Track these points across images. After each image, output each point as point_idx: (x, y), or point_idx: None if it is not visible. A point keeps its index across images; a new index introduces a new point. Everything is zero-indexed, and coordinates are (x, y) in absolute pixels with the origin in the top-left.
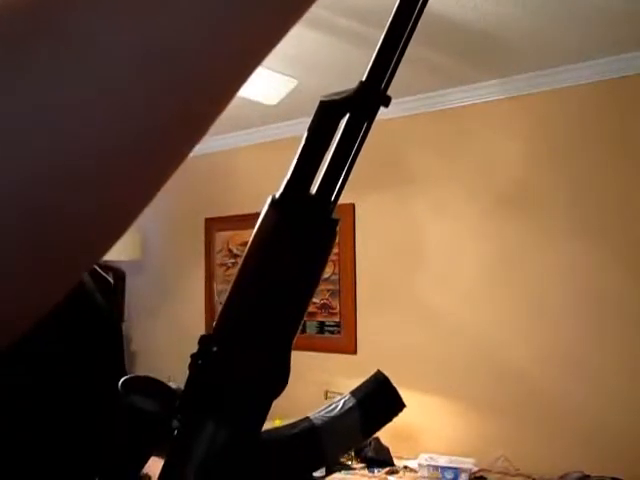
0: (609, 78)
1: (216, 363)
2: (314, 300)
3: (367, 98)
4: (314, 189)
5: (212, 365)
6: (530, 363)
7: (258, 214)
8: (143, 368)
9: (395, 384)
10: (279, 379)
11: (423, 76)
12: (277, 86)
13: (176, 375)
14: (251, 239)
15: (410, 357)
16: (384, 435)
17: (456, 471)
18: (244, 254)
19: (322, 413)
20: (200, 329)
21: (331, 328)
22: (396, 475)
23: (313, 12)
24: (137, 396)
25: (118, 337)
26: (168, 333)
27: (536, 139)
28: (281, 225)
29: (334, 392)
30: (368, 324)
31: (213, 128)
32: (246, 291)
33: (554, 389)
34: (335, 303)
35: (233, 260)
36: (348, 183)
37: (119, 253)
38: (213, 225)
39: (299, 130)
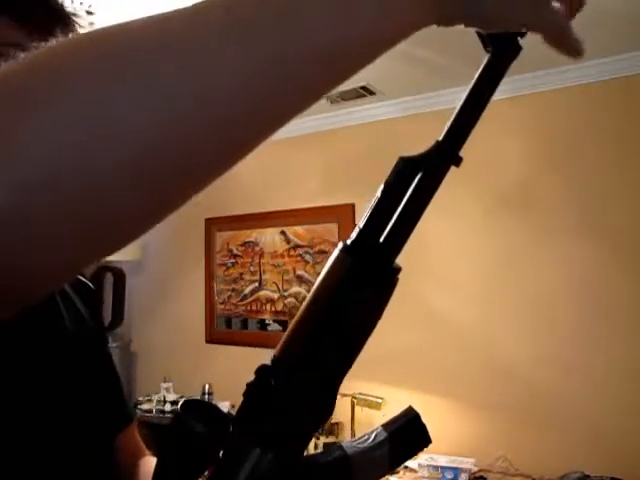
0: (614, 77)
1: (271, 396)
2: None
3: (441, 158)
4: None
5: (267, 397)
6: (531, 363)
7: (258, 214)
8: (143, 368)
9: (395, 384)
10: (326, 414)
11: (423, 76)
12: None
13: (174, 375)
14: (319, 281)
15: (410, 357)
16: None
17: (456, 471)
18: (311, 294)
19: (355, 443)
20: (200, 329)
21: None
22: (396, 475)
23: None
24: (193, 419)
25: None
26: (168, 333)
27: (539, 138)
28: (351, 271)
29: None
30: None
31: None
32: (312, 330)
33: (555, 389)
34: None
35: (233, 260)
36: (348, 183)
37: (119, 253)
38: (213, 225)
39: (298, 130)
